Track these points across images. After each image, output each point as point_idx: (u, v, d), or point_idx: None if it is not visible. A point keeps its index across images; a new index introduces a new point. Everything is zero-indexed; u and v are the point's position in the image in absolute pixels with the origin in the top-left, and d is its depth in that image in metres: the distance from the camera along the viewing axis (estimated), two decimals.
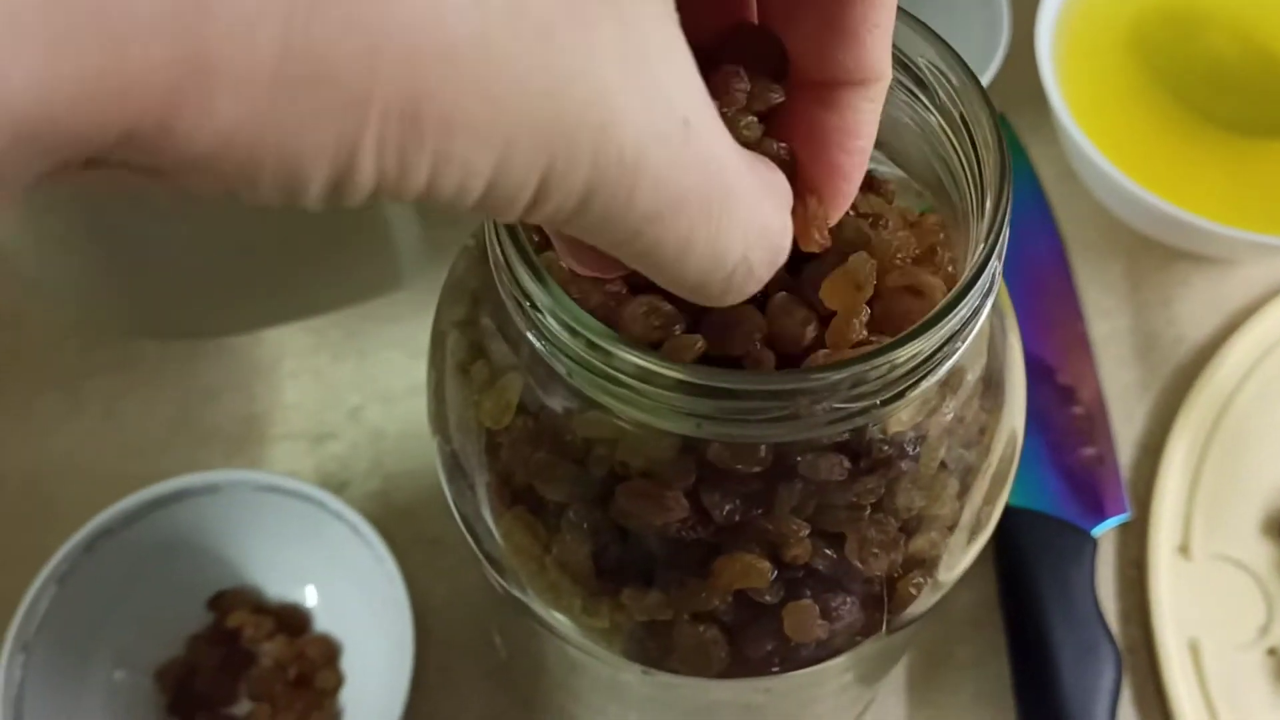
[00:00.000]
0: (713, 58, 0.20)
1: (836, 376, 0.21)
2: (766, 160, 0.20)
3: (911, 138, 0.26)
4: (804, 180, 0.21)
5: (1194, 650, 0.45)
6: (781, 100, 0.21)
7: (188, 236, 0.40)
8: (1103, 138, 0.50)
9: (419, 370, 0.52)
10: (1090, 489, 0.48)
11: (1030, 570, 0.45)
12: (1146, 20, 0.55)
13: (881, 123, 0.27)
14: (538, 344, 0.22)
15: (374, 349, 0.51)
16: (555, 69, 0.14)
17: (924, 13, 0.24)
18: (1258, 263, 0.53)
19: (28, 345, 0.52)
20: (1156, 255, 0.53)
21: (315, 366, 0.51)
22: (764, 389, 0.21)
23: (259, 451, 0.49)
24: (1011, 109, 0.55)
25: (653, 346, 0.22)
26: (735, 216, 0.18)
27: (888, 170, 0.28)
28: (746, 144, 0.20)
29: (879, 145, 0.28)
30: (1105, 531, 0.47)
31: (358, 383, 0.51)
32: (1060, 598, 0.45)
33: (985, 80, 0.53)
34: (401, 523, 0.47)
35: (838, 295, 0.22)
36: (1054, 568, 0.45)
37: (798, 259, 0.23)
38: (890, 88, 0.25)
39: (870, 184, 0.28)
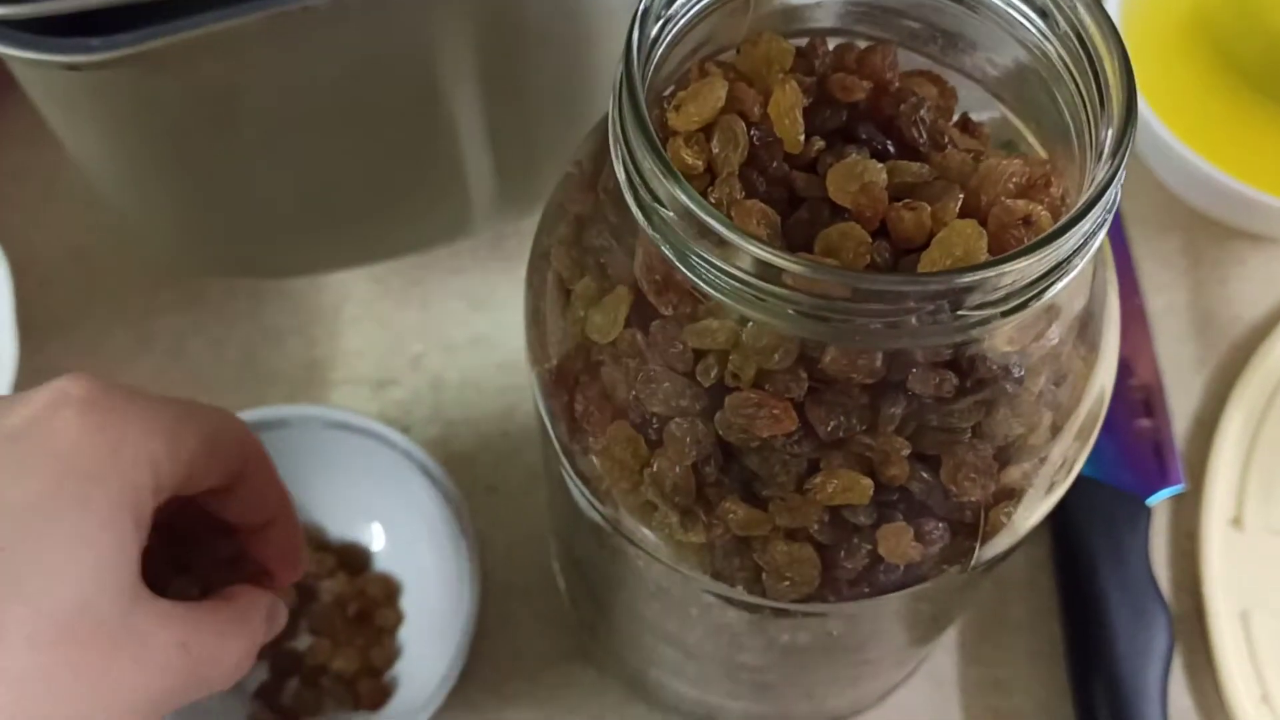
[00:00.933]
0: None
1: (955, 281, 0.21)
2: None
3: (1023, 74, 0.26)
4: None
5: (1244, 620, 0.45)
6: None
7: (269, 171, 0.41)
8: (1165, 112, 0.51)
9: (480, 321, 0.53)
10: (1146, 459, 0.48)
11: (1086, 536, 0.46)
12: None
13: (988, 60, 0.27)
14: (662, 246, 0.23)
15: (437, 299, 0.52)
16: None
17: None
18: None
19: (97, 284, 0.52)
20: (1214, 233, 0.54)
21: (378, 313, 0.52)
22: (885, 289, 0.21)
23: (321, 394, 0.50)
24: None
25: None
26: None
27: (985, 116, 0.29)
28: None
29: (981, 82, 0.28)
30: (1160, 502, 0.48)
31: (420, 331, 0.51)
32: (1115, 564, 0.45)
33: None
34: (460, 469, 0.48)
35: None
36: (1109, 534, 0.46)
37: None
38: (1009, 16, 0.25)
39: (965, 125, 0.29)
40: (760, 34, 0.27)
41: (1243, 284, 0.53)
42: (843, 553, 0.26)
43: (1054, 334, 0.26)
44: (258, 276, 0.50)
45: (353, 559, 0.45)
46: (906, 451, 0.25)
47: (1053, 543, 0.47)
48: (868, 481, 0.25)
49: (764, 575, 0.27)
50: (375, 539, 0.46)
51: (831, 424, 0.25)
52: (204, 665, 0.29)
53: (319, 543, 0.45)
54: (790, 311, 0.22)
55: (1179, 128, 0.50)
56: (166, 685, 0.27)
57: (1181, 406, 0.50)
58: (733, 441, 0.25)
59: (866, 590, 0.27)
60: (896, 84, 0.27)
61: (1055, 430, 0.28)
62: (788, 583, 0.27)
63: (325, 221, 0.45)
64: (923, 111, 0.27)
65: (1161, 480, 0.47)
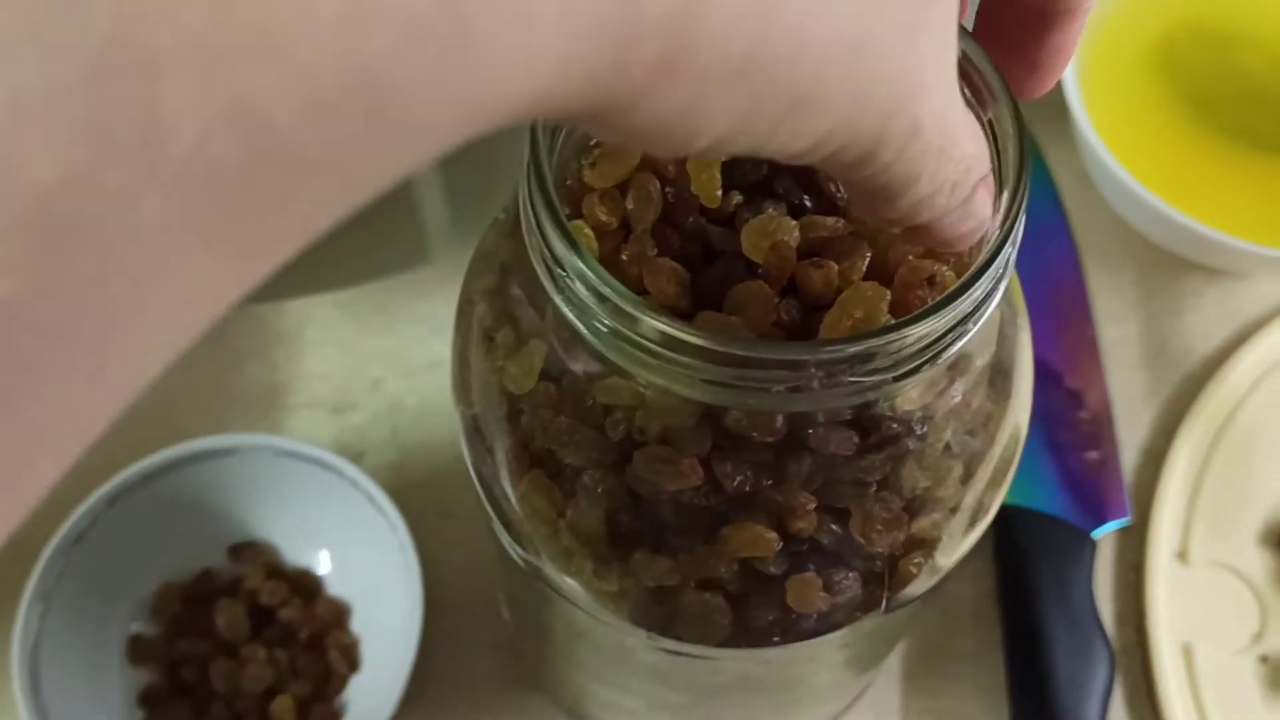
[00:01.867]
0: None
1: (851, 349, 0.22)
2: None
3: None
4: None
5: (1187, 654, 0.46)
6: None
7: None
8: (1122, 148, 0.51)
9: (441, 346, 0.53)
10: (1092, 492, 0.48)
11: (1030, 568, 0.46)
12: (1174, 34, 0.56)
13: None
14: (565, 309, 0.23)
15: (399, 323, 0.52)
16: (907, 64, 0.17)
17: None
18: (1271, 277, 0.54)
19: None
20: (1170, 266, 0.54)
21: (340, 337, 0.52)
22: (781, 359, 0.22)
23: (280, 418, 0.50)
24: (1033, 117, 0.56)
25: (675, 315, 0.23)
26: (954, 153, 0.20)
27: None
28: None
29: None
30: (1105, 534, 0.48)
31: (380, 355, 0.52)
32: (1058, 597, 0.46)
33: None
34: (415, 494, 0.48)
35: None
36: (1053, 567, 0.46)
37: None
38: None
39: None
40: None
41: (1197, 315, 0.53)
42: (753, 603, 0.27)
43: (958, 389, 0.26)
44: None
45: (305, 585, 0.46)
46: (813, 505, 0.26)
47: (998, 575, 0.47)
48: (772, 535, 0.25)
49: (677, 623, 0.27)
50: (324, 565, 0.46)
51: (737, 479, 0.25)
52: None
53: (272, 566, 0.46)
54: (689, 377, 0.22)
55: (1135, 163, 0.51)
56: None
57: (1131, 438, 0.50)
58: (643, 494, 0.26)
59: (778, 639, 0.28)
60: None
61: (968, 477, 0.28)
62: (699, 631, 0.27)
63: None
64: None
65: (1108, 513, 0.48)
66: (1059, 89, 0.52)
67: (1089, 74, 0.53)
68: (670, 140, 0.16)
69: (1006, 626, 0.46)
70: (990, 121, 0.24)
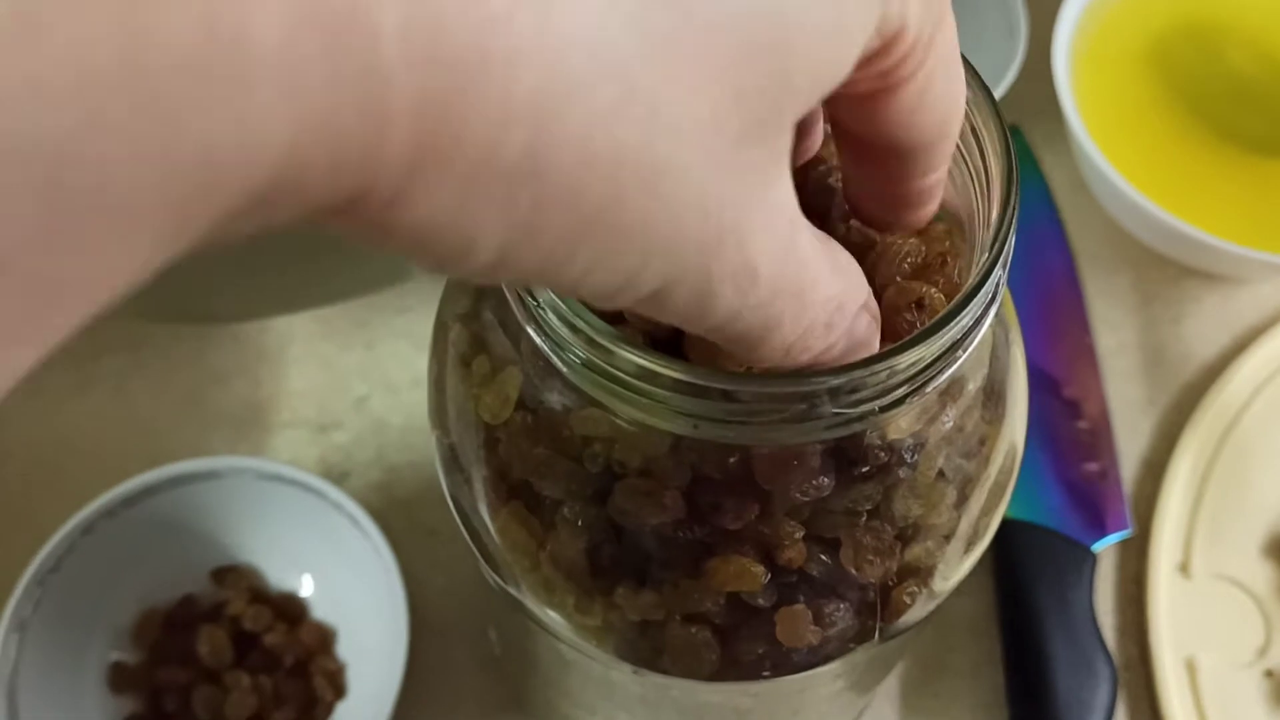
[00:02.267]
0: None
1: (835, 381, 0.21)
2: (831, 241, 0.21)
3: None
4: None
5: (1190, 668, 0.45)
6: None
7: None
8: (1117, 152, 0.50)
9: (425, 362, 0.52)
10: (1092, 504, 0.47)
11: (1029, 583, 0.45)
12: (1167, 36, 0.55)
13: None
14: (538, 340, 0.22)
15: (381, 339, 0.52)
16: (724, 200, 0.16)
17: None
18: (1270, 282, 0.53)
19: None
20: (1167, 271, 0.53)
21: (322, 354, 0.51)
22: (761, 391, 0.21)
23: (264, 438, 0.50)
24: (1027, 120, 0.55)
25: (651, 344, 0.22)
26: (815, 296, 0.19)
27: None
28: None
29: None
30: (1106, 547, 0.47)
31: (364, 372, 0.51)
32: (1058, 612, 0.45)
33: (1001, 90, 0.53)
34: (401, 514, 0.47)
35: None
36: (1053, 582, 0.45)
37: None
38: None
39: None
40: None
41: (1195, 322, 0.53)
42: (741, 637, 0.26)
43: (950, 414, 0.25)
44: (194, 323, 0.50)
45: (289, 610, 0.45)
46: (800, 535, 0.25)
47: (997, 590, 0.46)
48: (759, 568, 0.25)
49: (664, 656, 0.27)
50: (308, 589, 0.45)
51: (721, 513, 0.24)
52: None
53: (256, 590, 0.45)
54: (666, 410, 0.21)
55: (1129, 166, 0.50)
56: None
57: (1130, 448, 0.50)
58: (625, 526, 0.25)
59: (767, 673, 0.27)
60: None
61: (962, 501, 0.27)
62: (686, 665, 0.26)
63: (258, 272, 0.44)
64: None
65: (1108, 526, 0.47)
66: (1053, 93, 0.51)
67: (1082, 77, 0.52)
68: (441, 247, 0.14)
69: (1006, 642, 0.45)
70: (979, 140, 0.23)
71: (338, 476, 0.48)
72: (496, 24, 0.13)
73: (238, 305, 0.49)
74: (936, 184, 0.22)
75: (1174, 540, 0.47)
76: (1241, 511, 0.47)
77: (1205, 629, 0.46)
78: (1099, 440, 0.49)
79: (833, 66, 0.17)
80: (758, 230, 0.17)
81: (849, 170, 0.23)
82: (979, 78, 0.23)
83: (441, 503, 0.48)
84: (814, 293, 0.19)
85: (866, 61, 0.18)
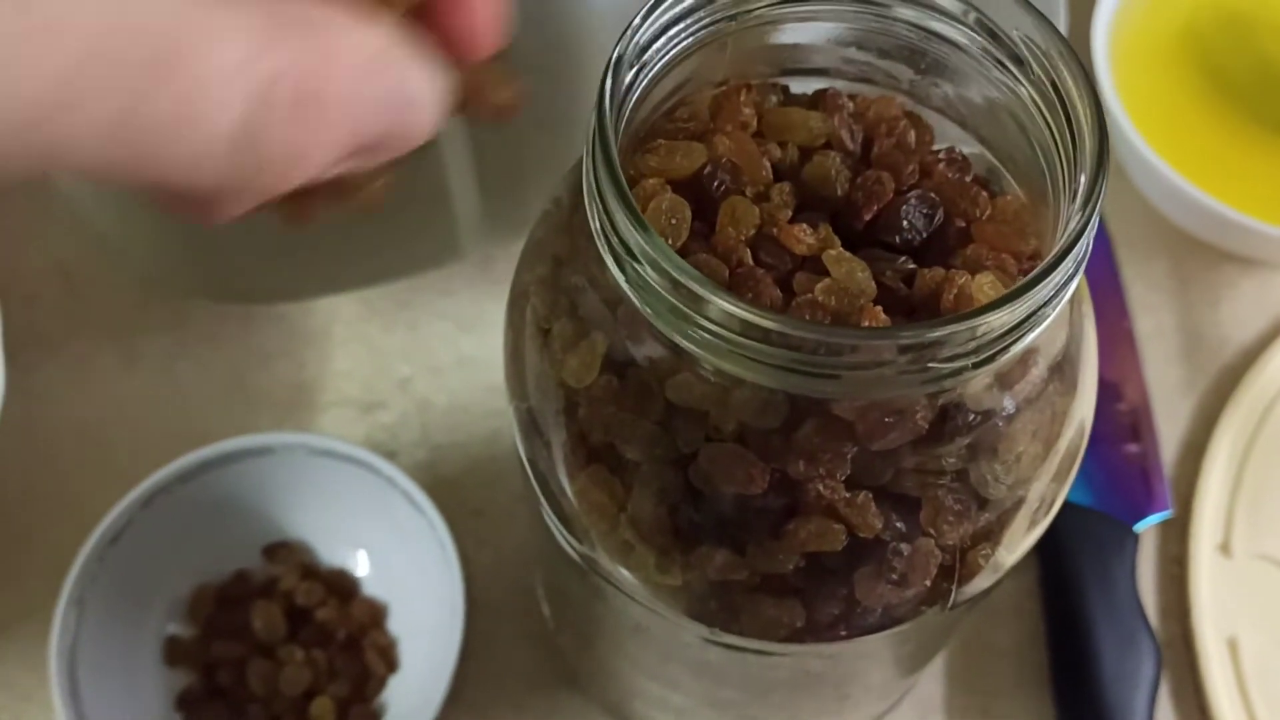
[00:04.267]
0: None
1: (930, 335, 0.21)
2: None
3: (998, 113, 0.26)
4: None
5: (1232, 647, 0.45)
6: None
7: None
8: (1155, 136, 0.51)
9: (468, 343, 0.53)
10: (1133, 485, 0.48)
11: (1072, 563, 0.46)
12: (1201, 20, 0.55)
13: (966, 101, 0.27)
14: (633, 296, 0.23)
15: (425, 320, 0.52)
16: None
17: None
18: None
19: (84, 300, 0.52)
20: (1204, 256, 0.53)
21: (366, 335, 0.52)
22: (854, 343, 0.21)
23: (309, 418, 0.50)
24: None
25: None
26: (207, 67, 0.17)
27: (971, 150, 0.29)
28: None
29: (963, 124, 0.28)
30: (1147, 528, 0.47)
31: (408, 353, 0.51)
32: (1101, 591, 0.45)
33: None
34: (447, 493, 0.47)
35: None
36: (1096, 561, 0.46)
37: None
38: (982, 60, 0.25)
39: (950, 161, 0.29)
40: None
41: (1233, 306, 0.53)
42: (819, 597, 0.26)
43: (1033, 378, 0.26)
44: (240, 302, 0.50)
45: (341, 585, 0.45)
46: (874, 512, 0.25)
47: (1040, 569, 0.47)
48: (839, 528, 0.25)
49: (741, 617, 0.27)
50: (360, 565, 0.46)
51: (809, 476, 0.24)
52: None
53: (307, 567, 0.45)
54: (766, 364, 0.22)
55: (1167, 150, 0.50)
56: None
57: (1170, 430, 0.50)
58: (705, 492, 0.25)
59: (844, 633, 0.27)
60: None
61: (1035, 469, 0.28)
62: (763, 626, 0.27)
63: (306, 251, 0.45)
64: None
65: (1149, 506, 0.47)
66: (1091, 73, 0.51)
67: (1119, 64, 0.53)
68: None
69: (1049, 622, 0.46)
70: (1061, 96, 0.24)
71: (385, 456, 0.48)
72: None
73: (279, 284, 0.49)
74: None
75: (1214, 521, 0.47)
76: None
77: (1247, 608, 0.46)
78: (1139, 422, 0.49)
79: None
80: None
81: None
82: (1064, 39, 0.23)
83: (487, 482, 0.49)
84: (197, 65, 0.17)
85: None
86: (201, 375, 0.51)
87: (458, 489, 0.48)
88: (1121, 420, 0.49)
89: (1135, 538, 0.46)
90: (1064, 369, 0.28)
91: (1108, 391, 0.50)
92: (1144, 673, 0.44)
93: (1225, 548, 0.47)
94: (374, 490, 0.44)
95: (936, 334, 0.21)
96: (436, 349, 0.52)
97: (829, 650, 0.29)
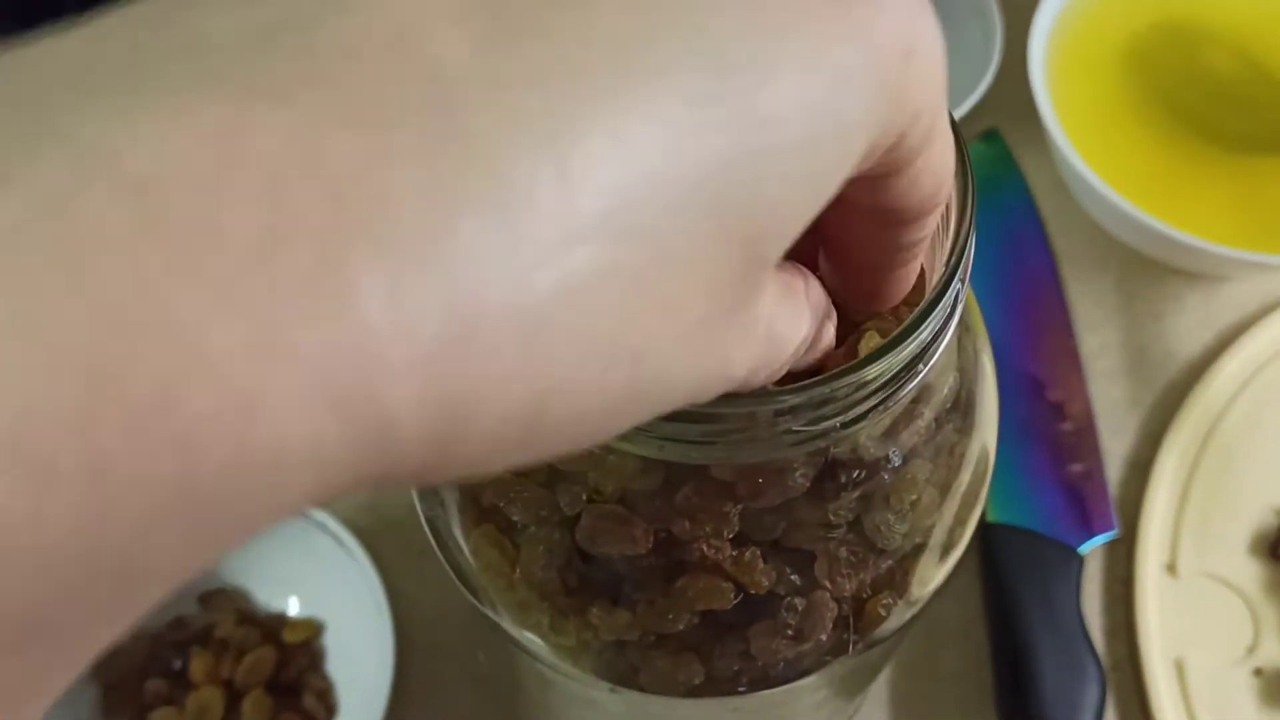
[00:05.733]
0: None
1: (796, 400, 0.21)
2: (795, 280, 0.20)
3: None
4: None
5: (1180, 668, 0.45)
6: None
7: None
8: (1095, 153, 0.50)
9: None
10: (1078, 506, 0.48)
11: (1016, 586, 0.45)
12: (1143, 35, 0.55)
13: None
14: None
15: None
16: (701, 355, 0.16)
17: None
18: (1252, 280, 0.53)
19: None
20: (1149, 271, 0.53)
21: None
22: (723, 411, 0.21)
23: None
24: (1005, 122, 0.55)
25: None
26: (785, 354, 0.19)
27: None
28: None
29: None
30: (1093, 549, 0.47)
31: None
32: (1046, 614, 0.45)
33: (979, 93, 0.53)
34: (392, 534, 0.47)
35: None
36: (1040, 584, 0.45)
37: None
38: None
39: None
40: None
41: (1178, 320, 0.53)
42: (716, 654, 0.26)
43: (919, 427, 0.25)
44: None
45: (277, 630, 0.45)
46: (761, 567, 0.25)
47: (984, 593, 0.46)
48: (728, 585, 0.25)
49: (639, 675, 0.27)
50: (296, 608, 0.45)
51: (693, 543, 0.24)
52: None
53: (243, 612, 0.45)
54: (633, 432, 0.21)
55: (1107, 167, 0.50)
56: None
57: (1115, 448, 0.50)
58: (592, 553, 0.25)
59: (743, 689, 0.27)
60: None
61: (935, 510, 0.28)
62: (663, 683, 0.26)
63: None
64: None
65: (1094, 527, 0.47)
66: (1030, 89, 0.51)
67: (1059, 79, 0.53)
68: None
69: (994, 646, 0.45)
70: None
71: None
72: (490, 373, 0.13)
73: None
74: (920, 245, 0.21)
75: (1161, 540, 0.47)
76: (1227, 510, 0.48)
77: (1193, 628, 0.46)
78: (1083, 441, 0.49)
79: (814, 205, 0.16)
80: (735, 352, 0.17)
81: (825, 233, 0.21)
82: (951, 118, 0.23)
83: None
84: (784, 353, 0.19)
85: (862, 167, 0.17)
86: None
87: (402, 530, 0.48)
88: (1065, 440, 0.49)
89: (1080, 560, 0.46)
90: (960, 408, 0.27)
91: (1052, 411, 0.50)
92: (1089, 696, 0.43)
93: (1171, 567, 0.47)
94: (307, 536, 0.43)
95: (800, 398, 0.21)
96: None
97: (734, 704, 0.29)
